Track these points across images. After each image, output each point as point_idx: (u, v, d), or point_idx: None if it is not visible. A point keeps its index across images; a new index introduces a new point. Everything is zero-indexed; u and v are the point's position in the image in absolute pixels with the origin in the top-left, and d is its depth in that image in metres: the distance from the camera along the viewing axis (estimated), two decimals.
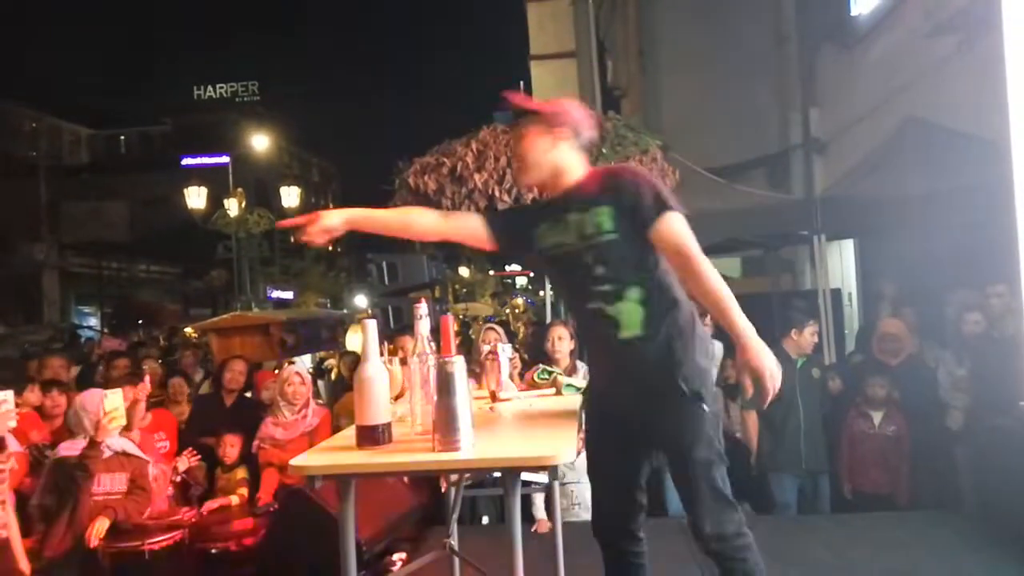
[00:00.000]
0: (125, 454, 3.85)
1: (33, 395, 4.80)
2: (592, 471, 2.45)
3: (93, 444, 3.67)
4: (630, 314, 2.18)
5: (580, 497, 4.23)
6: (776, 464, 4.72)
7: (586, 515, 3.99)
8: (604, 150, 5.59)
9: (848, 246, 8.51)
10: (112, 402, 3.74)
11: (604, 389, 2.34)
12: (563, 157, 2.31)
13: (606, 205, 2.20)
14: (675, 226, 2.13)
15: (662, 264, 2.21)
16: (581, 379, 4.16)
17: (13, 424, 3.33)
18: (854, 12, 8.23)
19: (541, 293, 10.50)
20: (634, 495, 2.35)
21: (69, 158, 34.51)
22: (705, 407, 2.15)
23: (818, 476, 4.73)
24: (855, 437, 4.78)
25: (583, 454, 3.93)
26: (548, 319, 6.66)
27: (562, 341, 4.39)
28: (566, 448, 1.82)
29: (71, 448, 3.75)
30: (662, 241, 2.14)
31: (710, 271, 2.09)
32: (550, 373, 3.16)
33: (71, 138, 37.16)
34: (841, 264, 8.60)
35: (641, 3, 10.38)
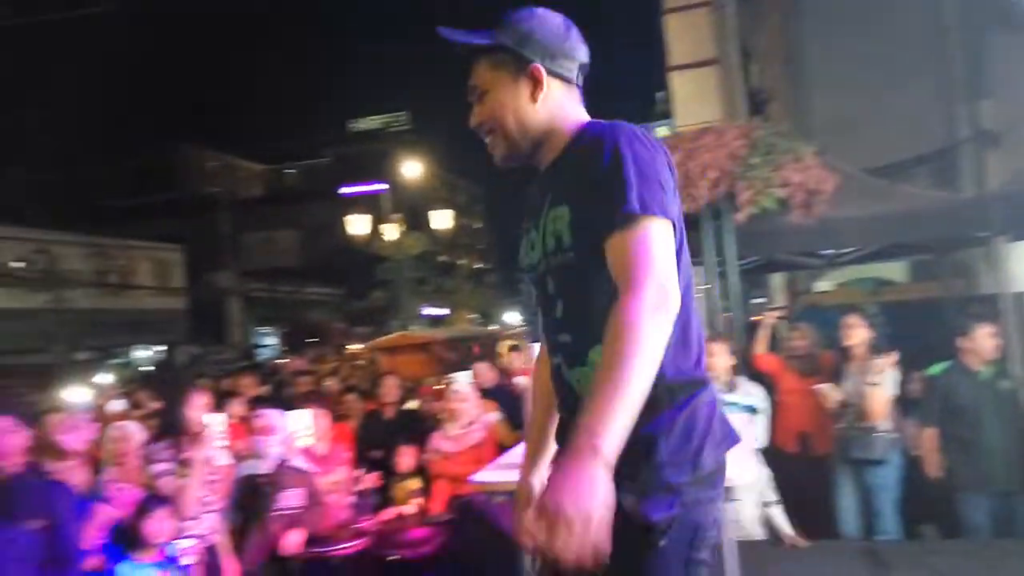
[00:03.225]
0: (299, 471, 4.08)
1: (240, 407, 5.12)
2: None
3: (281, 462, 3.92)
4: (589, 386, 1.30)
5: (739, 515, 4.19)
6: (964, 483, 4.38)
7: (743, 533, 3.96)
8: (756, 159, 5.52)
9: None
10: (298, 421, 4.01)
11: None
12: (554, 106, 1.50)
13: (565, 204, 1.42)
14: (637, 238, 1.30)
15: None
16: (743, 395, 4.14)
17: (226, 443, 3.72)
18: None
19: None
20: None
21: (244, 192, 37.48)
22: (661, 542, 1.35)
23: (1013, 497, 4.35)
24: None
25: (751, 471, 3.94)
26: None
27: (717, 358, 4.33)
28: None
29: (254, 467, 4.01)
30: (610, 259, 1.33)
31: (648, 337, 1.23)
32: None
33: (245, 174, 40.47)
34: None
35: (785, 11, 10.08)
